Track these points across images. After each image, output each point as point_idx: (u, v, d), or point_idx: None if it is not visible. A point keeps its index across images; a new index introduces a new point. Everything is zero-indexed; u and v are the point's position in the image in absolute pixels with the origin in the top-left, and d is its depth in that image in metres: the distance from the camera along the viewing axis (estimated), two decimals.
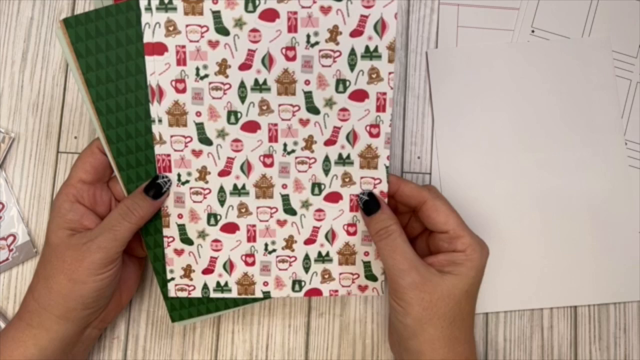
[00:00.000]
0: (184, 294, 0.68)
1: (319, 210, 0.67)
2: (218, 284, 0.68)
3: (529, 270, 0.75)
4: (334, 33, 0.63)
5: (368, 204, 0.65)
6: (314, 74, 0.64)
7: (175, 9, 0.62)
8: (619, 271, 0.75)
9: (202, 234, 0.67)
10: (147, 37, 0.62)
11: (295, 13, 0.62)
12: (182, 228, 0.67)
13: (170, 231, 0.66)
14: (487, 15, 0.78)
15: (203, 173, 0.66)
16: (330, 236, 0.68)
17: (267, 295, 0.69)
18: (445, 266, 0.63)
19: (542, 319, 0.74)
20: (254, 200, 0.67)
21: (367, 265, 0.68)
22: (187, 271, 0.68)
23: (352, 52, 0.63)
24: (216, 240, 0.67)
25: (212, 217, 0.67)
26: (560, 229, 0.75)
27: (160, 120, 0.64)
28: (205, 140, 0.65)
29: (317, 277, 0.69)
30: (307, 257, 0.68)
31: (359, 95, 0.64)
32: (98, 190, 0.66)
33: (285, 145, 0.65)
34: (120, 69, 0.63)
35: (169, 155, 0.65)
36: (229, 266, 0.68)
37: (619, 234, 0.75)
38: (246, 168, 0.66)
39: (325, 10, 0.62)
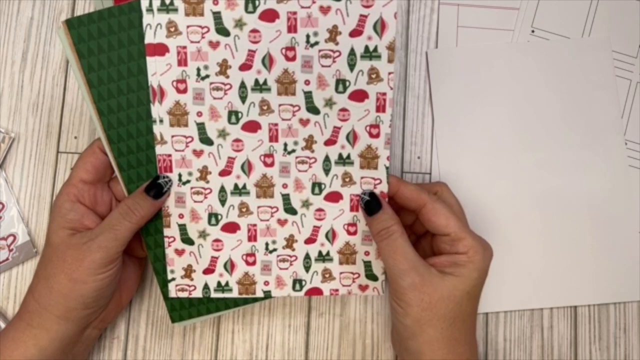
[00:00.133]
0: (184, 294, 0.68)
1: (320, 209, 0.67)
2: (219, 283, 0.68)
3: (529, 270, 0.75)
4: (334, 33, 0.63)
5: (369, 204, 0.65)
6: (314, 74, 0.64)
7: (176, 10, 0.62)
8: (619, 271, 0.75)
9: (203, 234, 0.67)
10: (149, 38, 0.62)
11: (295, 13, 0.62)
12: (182, 228, 0.67)
13: (171, 231, 0.66)
14: (487, 15, 0.78)
15: (204, 173, 0.66)
16: (331, 236, 0.68)
17: (267, 295, 0.69)
18: (447, 267, 0.62)
19: (542, 319, 0.74)
20: (255, 199, 0.67)
21: (367, 265, 0.68)
22: (188, 271, 0.68)
23: (352, 52, 0.63)
24: (217, 240, 0.67)
25: (213, 217, 0.67)
26: (560, 229, 0.75)
27: (161, 121, 0.64)
28: (206, 140, 0.65)
29: (318, 277, 0.69)
30: (307, 257, 0.68)
31: (359, 96, 0.64)
32: (99, 190, 0.66)
33: (285, 145, 0.65)
34: (122, 70, 0.63)
35: (170, 155, 0.65)
36: (229, 266, 0.68)
37: (619, 234, 0.75)
38: (247, 168, 0.66)
39: (325, 10, 0.62)
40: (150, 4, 0.62)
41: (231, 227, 0.67)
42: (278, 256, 0.68)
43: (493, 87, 0.76)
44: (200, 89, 0.64)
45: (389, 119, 0.65)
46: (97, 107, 0.63)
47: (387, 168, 0.66)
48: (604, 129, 0.76)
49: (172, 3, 0.62)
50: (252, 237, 0.68)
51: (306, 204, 0.67)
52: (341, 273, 0.69)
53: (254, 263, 0.68)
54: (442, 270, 0.62)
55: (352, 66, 0.63)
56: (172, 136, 0.64)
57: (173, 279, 0.68)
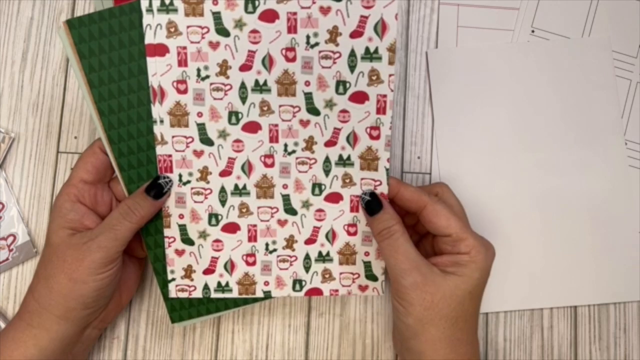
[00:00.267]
0: (184, 295, 0.68)
1: (320, 210, 0.67)
2: (219, 284, 0.68)
3: (529, 270, 0.75)
4: (334, 34, 0.63)
5: (370, 204, 0.65)
6: (314, 75, 0.64)
7: (176, 10, 0.62)
8: (619, 271, 0.75)
9: (203, 234, 0.67)
10: (149, 39, 0.62)
11: (295, 14, 0.62)
12: (183, 228, 0.67)
13: (171, 231, 0.67)
14: (487, 15, 0.78)
15: (204, 173, 0.66)
16: (331, 236, 0.68)
17: (267, 295, 0.69)
18: (449, 267, 0.62)
19: (542, 319, 0.74)
20: (255, 200, 0.67)
21: (367, 265, 0.68)
22: (188, 271, 0.68)
23: (352, 54, 0.63)
24: (217, 240, 0.67)
25: (213, 217, 0.67)
26: (560, 229, 0.75)
27: (161, 121, 0.64)
28: (206, 141, 0.65)
29: (318, 277, 0.69)
30: (307, 257, 0.68)
31: (359, 97, 0.64)
32: (99, 190, 0.66)
33: (285, 145, 0.65)
34: (122, 70, 0.63)
35: (170, 155, 0.65)
36: (229, 266, 0.68)
37: (619, 234, 0.75)
38: (247, 168, 0.66)
39: (325, 10, 0.62)
40: (150, 5, 0.62)
41: (231, 228, 0.67)
42: (278, 256, 0.68)
43: (493, 87, 0.76)
44: (200, 90, 0.64)
45: (390, 121, 0.64)
46: (98, 108, 0.63)
47: (387, 170, 0.66)
48: (604, 129, 0.76)
49: (172, 3, 0.62)
50: (252, 238, 0.68)
51: (306, 204, 0.67)
52: (341, 273, 0.69)
53: (254, 263, 0.68)
54: (444, 269, 0.62)
55: (352, 67, 0.63)
56: (173, 136, 0.64)
57: (173, 279, 0.68)
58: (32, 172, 0.74)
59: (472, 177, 0.75)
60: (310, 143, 0.65)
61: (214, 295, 0.68)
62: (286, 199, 0.67)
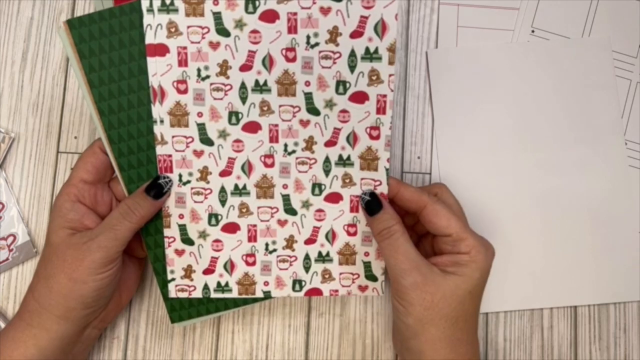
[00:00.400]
0: (184, 295, 0.68)
1: (320, 210, 0.67)
2: (219, 284, 0.68)
3: (529, 270, 0.75)
4: (334, 34, 0.63)
5: (370, 204, 0.65)
6: (314, 75, 0.64)
7: (176, 10, 0.62)
8: (619, 271, 0.75)
9: (203, 234, 0.67)
10: (149, 39, 0.62)
11: (295, 14, 0.62)
12: (183, 228, 0.67)
13: (171, 231, 0.67)
14: (487, 15, 0.78)
15: (204, 173, 0.66)
16: (331, 236, 0.68)
17: (267, 295, 0.69)
18: (449, 266, 0.62)
19: (542, 319, 0.74)
20: (255, 200, 0.67)
21: (367, 266, 0.68)
22: (188, 271, 0.68)
23: (352, 54, 0.63)
24: (217, 240, 0.67)
25: (213, 217, 0.67)
26: (560, 229, 0.75)
27: (161, 121, 0.64)
28: (206, 141, 0.65)
29: (318, 277, 0.69)
30: (307, 257, 0.68)
31: (359, 97, 0.64)
32: (99, 190, 0.66)
33: (285, 145, 0.65)
34: (122, 70, 0.63)
35: (170, 155, 0.65)
36: (229, 266, 0.68)
37: (619, 234, 0.75)
38: (247, 168, 0.66)
39: (325, 10, 0.62)
40: (151, 5, 0.62)
41: (231, 228, 0.67)
42: (278, 256, 0.68)
43: (493, 87, 0.76)
44: (200, 90, 0.64)
45: (390, 121, 0.65)
46: (98, 107, 0.63)
47: (387, 170, 0.66)
48: (604, 129, 0.76)
49: (172, 3, 0.62)
50: (252, 238, 0.68)
51: (306, 204, 0.67)
52: (341, 274, 0.69)
53: (253, 263, 0.68)
54: (444, 269, 0.62)
55: (352, 68, 0.63)
56: (173, 136, 0.64)
57: (173, 279, 0.68)
58: (32, 172, 0.74)
59: (472, 177, 0.76)
60: (310, 143, 0.65)
61: (213, 295, 0.68)
62: (286, 199, 0.67)
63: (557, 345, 0.74)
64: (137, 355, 0.73)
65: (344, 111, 0.64)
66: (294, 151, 0.65)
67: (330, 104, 0.64)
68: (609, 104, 0.77)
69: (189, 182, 0.66)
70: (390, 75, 0.63)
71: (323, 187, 0.66)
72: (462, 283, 0.62)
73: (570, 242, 0.75)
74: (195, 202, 0.66)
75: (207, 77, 0.63)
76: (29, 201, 0.74)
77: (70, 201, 0.63)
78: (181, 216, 0.66)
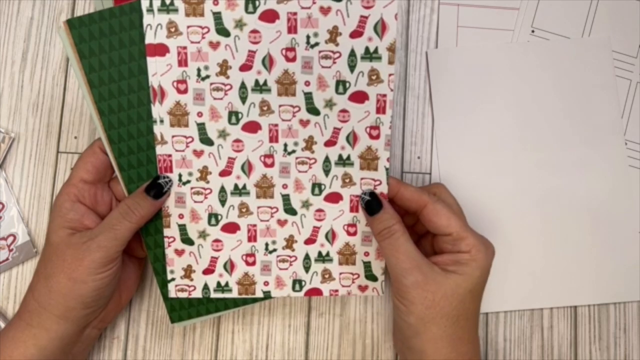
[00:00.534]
0: (184, 295, 0.68)
1: (319, 210, 0.67)
2: (219, 284, 0.68)
3: (529, 270, 0.75)
4: (334, 34, 0.63)
5: (370, 204, 0.65)
6: (314, 75, 0.64)
7: (176, 10, 0.62)
8: (619, 271, 0.75)
9: (203, 234, 0.67)
10: (149, 39, 0.62)
11: (295, 14, 0.62)
12: (182, 228, 0.67)
13: (171, 231, 0.67)
14: (487, 15, 0.78)
15: (204, 173, 0.66)
16: (331, 236, 0.68)
17: (267, 295, 0.69)
18: (449, 265, 0.63)
19: (542, 319, 0.74)
20: (255, 200, 0.67)
21: (367, 266, 0.68)
22: (188, 271, 0.68)
23: (352, 53, 0.63)
24: (217, 240, 0.67)
25: (213, 217, 0.67)
26: (560, 228, 0.75)
27: (161, 121, 0.64)
28: (206, 141, 0.65)
29: (318, 277, 0.69)
30: (307, 257, 0.68)
31: (359, 97, 0.64)
32: (99, 190, 0.66)
33: (285, 145, 0.65)
34: (122, 70, 0.63)
35: (170, 155, 0.65)
36: (229, 266, 0.68)
37: (619, 234, 0.75)
38: (247, 168, 0.66)
39: (325, 10, 0.62)
40: (151, 5, 0.62)
41: (231, 228, 0.67)
42: (278, 256, 0.68)
43: (493, 87, 0.76)
44: (200, 90, 0.64)
45: (389, 120, 0.65)
46: (98, 107, 0.63)
47: (387, 169, 0.66)
48: (604, 129, 0.76)
49: (172, 3, 0.62)
50: (252, 238, 0.68)
51: (306, 204, 0.67)
52: (341, 273, 0.69)
53: (253, 263, 0.68)
54: (445, 268, 0.62)
55: (352, 67, 0.63)
56: (173, 136, 0.64)
57: (173, 279, 0.68)
58: (32, 172, 0.74)
59: (472, 177, 0.75)
60: (310, 143, 0.65)
61: (213, 295, 0.68)
62: (286, 198, 0.67)
63: (557, 345, 0.74)
64: (137, 355, 0.73)
65: (343, 111, 0.64)
66: (293, 151, 0.65)
67: (330, 104, 0.64)
68: (609, 104, 0.77)
69: (188, 182, 0.66)
70: (390, 75, 0.63)
71: (323, 187, 0.66)
72: (462, 282, 0.62)
73: (570, 242, 0.75)
74: (195, 202, 0.66)
75: (207, 77, 0.63)
76: (29, 201, 0.74)
77: (70, 201, 0.64)
78: (181, 216, 0.66)
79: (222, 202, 0.66)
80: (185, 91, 0.64)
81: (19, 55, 0.75)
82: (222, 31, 0.63)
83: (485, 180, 0.75)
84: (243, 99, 0.64)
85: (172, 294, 0.68)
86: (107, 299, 0.65)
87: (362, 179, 0.66)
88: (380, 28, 0.63)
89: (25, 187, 0.74)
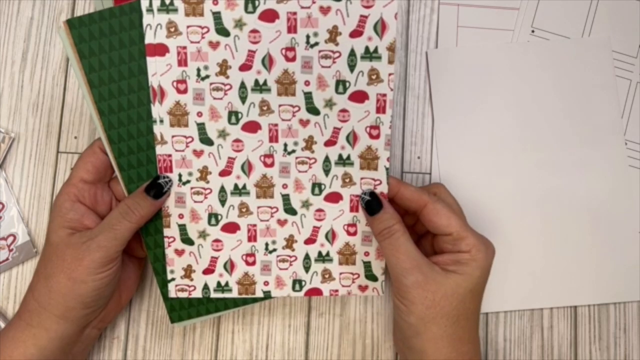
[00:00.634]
0: (184, 295, 0.68)
1: (319, 210, 0.67)
2: (219, 284, 0.68)
3: (529, 270, 0.75)
4: (334, 33, 0.63)
5: (370, 204, 0.65)
6: (314, 75, 0.64)
7: (176, 10, 0.62)
8: (619, 271, 0.75)
9: (203, 234, 0.67)
10: (149, 38, 0.62)
11: (295, 13, 0.62)
12: (182, 228, 0.67)
13: (171, 231, 0.67)
14: (487, 15, 0.78)
15: (204, 173, 0.66)
16: (331, 236, 0.68)
17: (267, 295, 0.69)
18: (449, 265, 0.63)
19: (542, 319, 0.74)
20: (255, 200, 0.67)
21: (367, 265, 0.68)
22: (188, 271, 0.68)
23: (352, 53, 0.63)
24: (217, 240, 0.67)
25: (213, 217, 0.67)
26: (560, 228, 0.75)
27: (161, 121, 0.64)
28: (206, 141, 0.65)
29: (318, 277, 0.69)
30: (307, 257, 0.68)
31: (359, 97, 0.64)
32: (99, 190, 0.66)
33: (285, 145, 0.65)
34: (122, 70, 0.63)
35: (170, 155, 0.65)
36: (229, 266, 0.68)
37: (619, 234, 0.75)
38: (247, 168, 0.66)
39: (325, 10, 0.62)
40: (150, 4, 0.62)
41: (231, 227, 0.67)
42: (278, 256, 0.68)
43: (493, 87, 0.76)
44: (200, 89, 0.64)
45: (389, 120, 0.64)
46: (98, 107, 0.63)
47: (387, 169, 0.66)
48: (604, 129, 0.76)
49: (172, 3, 0.62)
50: (252, 237, 0.68)
51: (306, 204, 0.67)
52: (341, 273, 0.69)
53: (253, 263, 0.68)
54: (445, 268, 0.62)
55: (352, 67, 0.63)
56: (173, 136, 0.64)
57: (173, 279, 0.68)
58: (32, 172, 0.74)
59: (472, 177, 0.75)
60: (310, 143, 0.65)
61: (213, 295, 0.68)
62: (286, 198, 0.67)
63: (557, 345, 0.74)
64: (137, 355, 0.73)
65: (343, 110, 0.64)
66: (293, 151, 0.65)
67: (330, 104, 0.64)
68: (609, 104, 0.77)
69: (188, 182, 0.66)
70: (390, 75, 0.63)
71: (323, 186, 0.66)
72: (463, 281, 0.62)
73: (570, 242, 0.75)
74: (195, 202, 0.66)
75: (207, 76, 0.63)
76: (29, 201, 0.74)
77: (70, 201, 0.64)
78: (181, 216, 0.66)
79: (222, 202, 0.66)
80: (185, 91, 0.64)
81: (19, 55, 0.75)
82: (222, 31, 0.63)
83: (485, 180, 0.75)
84: (243, 99, 0.64)
85: (172, 293, 0.68)
86: (107, 299, 0.65)
87: (362, 178, 0.66)
88: (380, 27, 0.63)
89: (25, 187, 0.74)
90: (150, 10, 0.62)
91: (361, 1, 0.62)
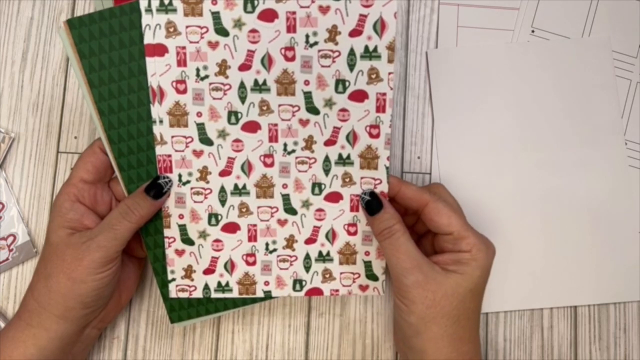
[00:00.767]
0: (185, 295, 0.68)
1: (320, 210, 0.67)
2: (219, 284, 0.68)
3: (530, 270, 0.75)
4: (333, 33, 0.63)
5: (370, 204, 0.65)
6: (313, 74, 0.64)
7: (175, 10, 0.62)
8: (619, 271, 0.75)
9: (203, 234, 0.67)
10: (148, 39, 0.62)
11: (294, 13, 0.62)
12: (183, 228, 0.67)
13: (171, 231, 0.67)
14: (487, 15, 0.78)
15: (204, 173, 0.66)
16: (331, 236, 0.68)
17: (268, 295, 0.69)
18: (450, 265, 0.63)
19: (542, 319, 0.74)
20: (255, 200, 0.67)
21: (367, 265, 0.68)
22: (188, 272, 0.68)
23: (352, 52, 0.63)
24: (217, 240, 0.67)
25: (213, 217, 0.67)
26: (560, 228, 0.75)
27: (161, 121, 0.64)
28: (206, 141, 0.65)
29: (318, 277, 0.69)
30: (307, 257, 0.68)
31: (359, 96, 0.64)
32: (99, 190, 0.66)
33: (285, 145, 0.65)
34: (122, 70, 0.63)
35: (169, 155, 0.65)
36: (230, 266, 0.68)
37: (619, 234, 0.75)
38: (247, 168, 0.66)
39: (324, 9, 0.62)
40: (149, 5, 0.62)
41: (231, 228, 0.67)
42: (278, 256, 0.68)
43: (493, 87, 0.76)
44: (199, 90, 0.64)
45: (389, 119, 0.64)
46: (98, 107, 0.63)
47: (387, 168, 0.66)
48: (604, 129, 0.76)
49: (170, 3, 0.62)
50: (252, 237, 0.68)
51: (306, 204, 0.67)
52: (341, 273, 0.69)
53: (254, 263, 0.68)
54: (445, 268, 0.62)
55: (351, 66, 0.63)
56: (172, 137, 0.64)
57: (173, 280, 0.68)
58: (32, 172, 0.74)
59: (472, 177, 0.75)
60: (309, 142, 0.65)
61: (214, 295, 0.68)
62: (286, 198, 0.67)
63: (557, 345, 0.74)
64: (137, 355, 0.73)
65: (343, 110, 0.64)
66: (293, 150, 0.65)
67: (329, 103, 0.64)
68: (609, 104, 0.77)
69: (188, 182, 0.66)
70: (389, 74, 0.63)
71: (323, 186, 0.66)
72: (463, 281, 0.62)
73: (570, 242, 0.75)
74: (195, 202, 0.66)
75: (206, 76, 0.63)
76: (29, 201, 0.74)
77: (70, 201, 0.64)
78: (181, 216, 0.66)
79: (222, 202, 0.66)
80: (184, 91, 0.64)
81: (19, 55, 0.75)
82: (221, 31, 0.63)
83: (485, 180, 0.75)
84: (242, 99, 0.64)
85: (173, 294, 0.68)
86: (107, 299, 0.65)
87: (362, 178, 0.66)
88: (380, 27, 0.63)
89: (25, 187, 0.74)
90: (149, 10, 0.62)
91: (360, 0, 0.62)
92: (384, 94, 0.64)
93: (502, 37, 0.78)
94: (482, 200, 0.75)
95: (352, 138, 0.65)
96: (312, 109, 0.64)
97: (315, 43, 0.63)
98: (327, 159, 0.66)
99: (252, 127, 0.65)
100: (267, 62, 0.63)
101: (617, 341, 0.74)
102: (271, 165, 0.66)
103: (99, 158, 0.65)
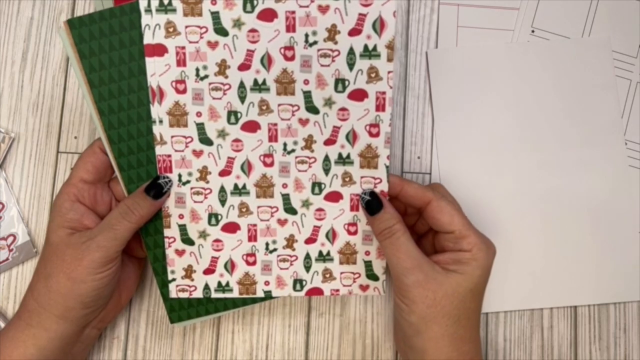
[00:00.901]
0: (185, 295, 0.68)
1: (320, 209, 0.67)
2: (219, 284, 0.68)
3: (530, 270, 0.75)
4: (333, 32, 0.63)
5: (370, 204, 0.65)
6: (313, 74, 0.64)
7: (174, 10, 0.62)
8: (619, 271, 0.75)
9: (203, 234, 0.67)
10: (147, 39, 0.62)
11: (294, 12, 0.62)
12: (183, 228, 0.67)
13: (171, 231, 0.67)
14: (487, 15, 0.78)
15: (204, 173, 0.66)
16: (331, 235, 0.68)
17: (268, 295, 0.69)
18: (450, 264, 0.62)
19: (542, 319, 0.74)
20: (255, 199, 0.67)
21: (368, 265, 0.68)
22: (188, 272, 0.68)
23: (351, 51, 0.63)
24: (217, 240, 0.67)
25: (213, 217, 0.67)
26: (560, 228, 0.75)
27: (161, 121, 0.64)
28: (205, 141, 0.65)
29: (318, 277, 0.69)
30: (308, 257, 0.68)
31: (358, 95, 0.64)
32: (99, 190, 0.66)
33: (285, 144, 0.65)
34: (122, 70, 0.63)
35: (169, 155, 0.65)
36: (230, 266, 0.68)
37: (619, 234, 0.75)
38: (246, 168, 0.66)
39: (324, 9, 0.62)
40: (149, 5, 0.62)
41: (231, 227, 0.67)
42: (278, 256, 0.68)
43: (493, 87, 0.76)
44: (199, 89, 0.64)
45: (389, 118, 0.65)
46: (98, 107, 0.63)
47: (387, 167, 0.66)
48: (604, 129, 0.76)
49: (170, 3, 0.62)
50: (252, 237, 0.68)
51: (306, 203, 0.67)
52: (342, 273, 0.69)
53: (254, 263, 0.68)
54: (446, 267, 0.62)
55: (351, 65, 0.63)
56: (172, 136, 0.64)
57: (173, 280, 0.68)
58: (32, 172, 0.74)
59: (472, 177, 0.75)
60: (309, 142, 0.65)
61: (214, 295, 0.68)
62: (286, 198, 0.67)
63: (557, 345, 0.74)
64: (137, 355, 0.73)
65: (343, 109, 0.64)
66: (293, 150, 0.65)
67: (329, 102, 0.64)
68: (609, 104, 0.77)
69: (188, 182, 0.66)
70: (389, 73, 0.63)
71: (323, 186, 0.66)
72: (463, 281, 0.62)
73: (570, 242, 0.75)
74: (195, 202, 0.66)
75: (206, 76, 0.63)
76: (29, 201, 0.74)
77: (70, 201, 0.64)
78: (181, 216, 0.66)
79: (222, 202, 0.66)
80: (184, 91, 0.64)
81: (19, 55, 0.75)
82: (221, 31, 0.63)
83: (485, 180, 0.75)
84: (242, 99, 0.64)
85: (173, 294, 0.68)
86: (107, 299, 0.65)
87: (362, 177, 0.66)
88: (379, 26, 0.63)
89: (25, 187, 0.74)
90: (148, 10, 0.62)
91: (360, 0, 0.62)
92: (384, 93, 0.64)
93: (502, 37, 0.78)
94: (482, 200, 0.75)
95: (351, 137, 0.65)
96: (312, 109, 0.64)
97: (315, 42, 0.63)
98: (327, 159, 0.66)
99: (251, 126, 0.65)
100: (267, 61, 0.63)
101: (617, 341, 0.74)
102: (271, 165, 0.66)
103: (99, 158, 0.65)
